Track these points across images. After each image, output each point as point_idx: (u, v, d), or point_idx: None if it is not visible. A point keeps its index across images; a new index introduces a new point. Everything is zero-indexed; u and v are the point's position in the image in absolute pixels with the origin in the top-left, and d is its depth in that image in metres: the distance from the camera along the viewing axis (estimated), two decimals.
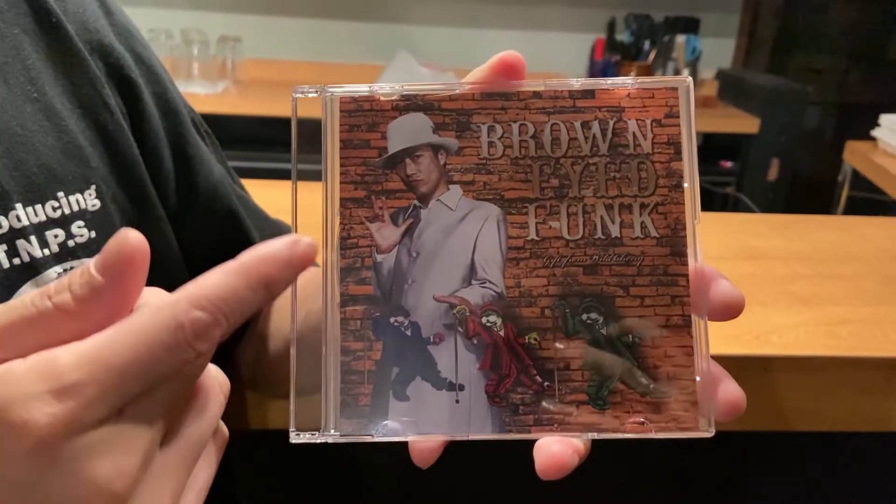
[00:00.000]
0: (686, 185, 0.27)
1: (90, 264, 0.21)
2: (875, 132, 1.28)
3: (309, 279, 0.27)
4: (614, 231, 0.27)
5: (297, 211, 0.27)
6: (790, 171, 1.90)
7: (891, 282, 0.63)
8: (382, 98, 0.27)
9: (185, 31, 1.92)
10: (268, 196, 0.49)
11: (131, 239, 0.21)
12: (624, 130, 0.27)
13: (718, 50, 2.21)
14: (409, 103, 0.27)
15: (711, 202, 1.87)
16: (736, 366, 0.51)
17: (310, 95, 0.27)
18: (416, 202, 0.27)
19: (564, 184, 0.27)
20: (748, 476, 0.67)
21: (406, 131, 0.27)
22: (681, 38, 2.08)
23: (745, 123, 1.91)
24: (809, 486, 0.67)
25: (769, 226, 0.79)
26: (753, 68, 2.21)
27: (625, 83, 0.28)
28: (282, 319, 0.45)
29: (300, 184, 0.27)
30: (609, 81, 0.28)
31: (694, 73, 2.09)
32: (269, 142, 1.70)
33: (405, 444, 0.25)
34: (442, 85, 0.27)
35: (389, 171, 0.27)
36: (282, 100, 1.84)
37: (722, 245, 0.70)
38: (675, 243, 0.27)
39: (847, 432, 0.55)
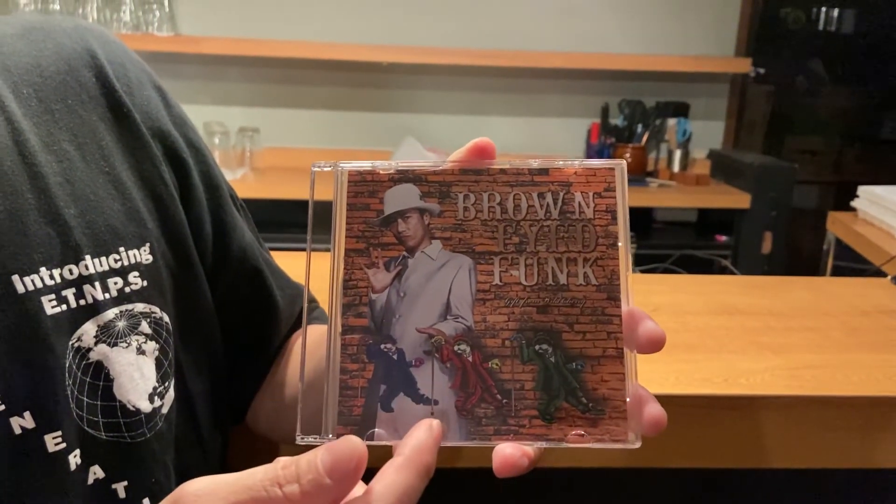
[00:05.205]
0: (620, 244, 0.32)
1: (319, 462, 0.24)
2: (854, 203, 1.35)
3: (321, 332, 0.33)
4: (562, 279, 0.32)
5: (311, 263, 0.33)
6: (783, 244, 1.96)
7: (855, 332, 0.66)
8: (381, 172, 0.33)
9: (208, 124, 2.05)
10: (283, 265, 0.56)
11: (359, 448, 0.24)
12: (571, 200, 0.33)
13: (709, 131, 2.30)
14: (402, 176, 0.33)
15: (709, 273, 1.92)
16: (706, 405, 0.55)
17: (325, 169, 0.33)
18: (404, 253, 0.33)
19: (523, 241, 0.33)
20: None
21: (399, 198, 0.33)
22: (672, 122, 2.19)
23: (736, 199, 1.99)
24: None
25: (746, 286, 0.82)
26: (748, 149, 2.30)
27: (572, 164, 0.34)
28: (297, 369, 0.50)
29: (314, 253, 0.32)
30: (560, 162, 0.34)
31: (686, 153, 2.19)
32: (284, 223, 1.73)
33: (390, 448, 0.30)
34: (429, 162, 0.34)
35: (384, 229, 0.33)
36: (295, 184, 1.92)
37: (701, 302, 0.74)
38: (611, 290, 0.32)
39: (811, 469, 0.57)
